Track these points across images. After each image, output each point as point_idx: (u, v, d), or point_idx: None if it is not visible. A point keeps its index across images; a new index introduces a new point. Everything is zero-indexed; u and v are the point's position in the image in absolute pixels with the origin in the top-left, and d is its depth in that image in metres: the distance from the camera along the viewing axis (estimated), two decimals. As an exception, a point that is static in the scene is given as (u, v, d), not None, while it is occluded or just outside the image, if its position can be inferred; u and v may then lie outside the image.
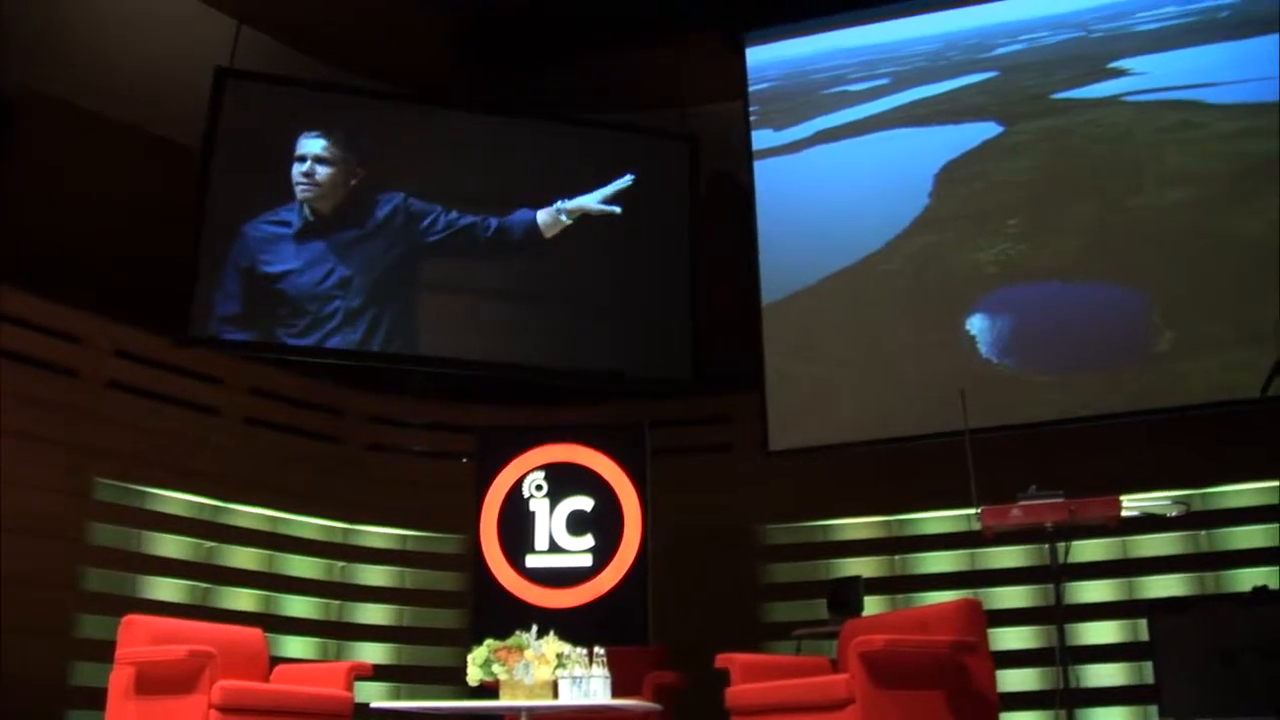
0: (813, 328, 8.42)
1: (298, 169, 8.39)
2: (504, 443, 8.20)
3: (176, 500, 7.79)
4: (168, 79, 8.50)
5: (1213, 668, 6.24)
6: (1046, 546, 5.61)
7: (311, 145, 8.45)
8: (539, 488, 8.02)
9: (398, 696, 8.23)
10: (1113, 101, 8.04)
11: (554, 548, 7.91)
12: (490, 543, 7.93)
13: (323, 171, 8.42)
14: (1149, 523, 7.23)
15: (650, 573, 7.77)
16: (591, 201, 8.74)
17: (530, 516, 7.98)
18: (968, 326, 7.90)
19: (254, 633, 6.15)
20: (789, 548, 8.49)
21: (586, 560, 7.86)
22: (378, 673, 7.65)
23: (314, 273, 8.22)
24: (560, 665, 4.96)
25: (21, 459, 6.97)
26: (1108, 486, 5.67)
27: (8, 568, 6.66)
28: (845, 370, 8.25)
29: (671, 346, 8.76)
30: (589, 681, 4.92)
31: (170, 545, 7.72)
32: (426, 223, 8.52)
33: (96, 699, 5.57)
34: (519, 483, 8.04)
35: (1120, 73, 8.08)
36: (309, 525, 8.45)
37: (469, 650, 5.19)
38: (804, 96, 9.01)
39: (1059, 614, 5.55)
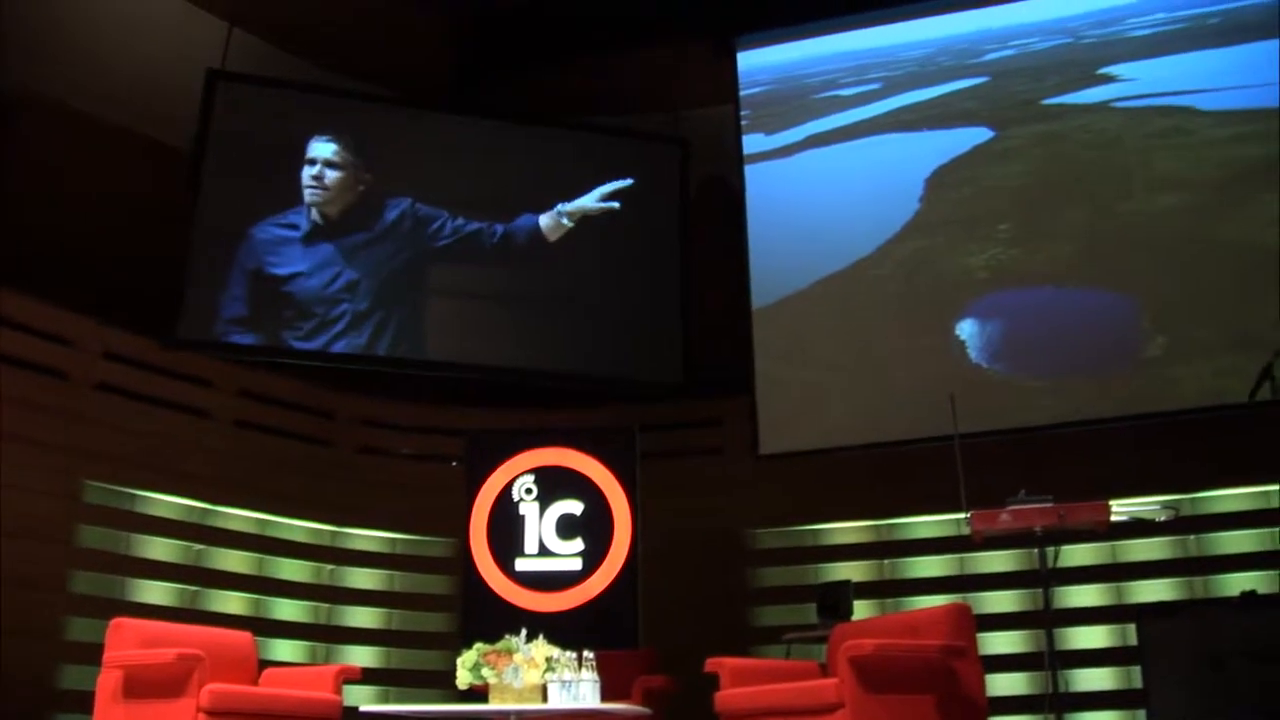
0: (803, 332, 8.43)
1: (307, 172, 8.43)
2: (494, 446, 8.19)
3: (166, 503, 7.77)
4: (160, 81, 8.49)
5: (1201, 672, 6.25)
6: (1036, 551, 5.63)
7: (322, 149, 8.50)
8: (529, 491, 8.00)
9: (387, 700, 8.20)
10: (1103, 107, 8.06)
11: (544, 551, 7.89)
12: (480, 546, 7.92)
13: (332, 175, 8.46)
14: (1138, 527, 7.23)
15: (640, 576, 7.76)
16: (590, 201, 8.77)
17: (520, 520, 7.96)
18: (958, 331, 7.92)
19: (243, 636, 6.15)
20: (779, 552, 8.49)
21: (576, 564, 7.85)
22: (367, 676, 7.64)
23: (321, 276, 8.26)
24: (549, 669, 4.96)
25: (11, 461, 6.94)
26: (1097, 491, 5.69)
27: (-4, 570, 6.65)
28: (835, 374, 8.26)
29: (662, 350, 8.77)
30: (578, 685, 4.92)
31: (160, 548, 7.69)
32: (434, 228, 8.57)
33: (84, 702, 5.56)
34: (509, 486, 8.02)
35: (1111, 79, 8.11)
36: (299, 528, 8.43)
37: (458, 654, 5.18)
38: (795, 101, 9.02)
39: (1048, 618, 5.55)
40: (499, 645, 5.08)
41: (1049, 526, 5.41)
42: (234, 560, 8.05)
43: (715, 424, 8.95)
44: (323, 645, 8.33)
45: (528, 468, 8.06)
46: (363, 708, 5.11)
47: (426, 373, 8.64)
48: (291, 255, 8.25)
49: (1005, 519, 5.48)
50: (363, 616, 8.54)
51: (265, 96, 8.56)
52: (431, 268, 8.57)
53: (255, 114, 8.48)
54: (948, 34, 8.72)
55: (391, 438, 9.07)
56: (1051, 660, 5.49)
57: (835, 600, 7.38)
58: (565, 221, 8.72)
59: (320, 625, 8.38)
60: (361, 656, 8.25)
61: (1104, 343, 7.56)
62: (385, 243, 8.47)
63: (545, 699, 4.95)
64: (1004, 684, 7.44)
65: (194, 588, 7.80)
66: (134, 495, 7.63)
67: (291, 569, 8.34)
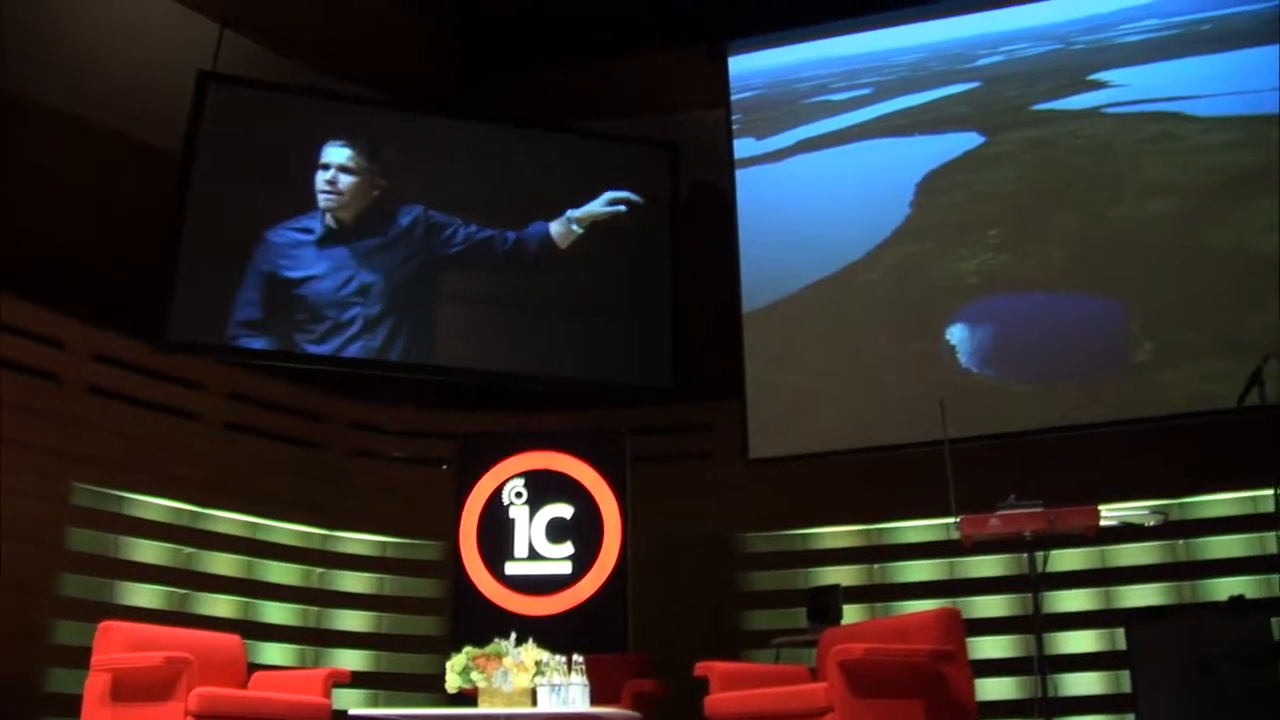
0: (793, 336, 8.43)
1: (321, 177, 8.49)
2: (484, 450, 8.18)
3: (155, 505, 7.75)
4: (152, 83, 8.48)
5: (1190, 677, 6.27)
6: (1025, 556, 5.63)
7: (335, 154, 8.55)
8: (519, 495, 8.00)
9: (376, 703, 8.19)
10: (1094, 113, 8.08)
11: (533, 555, 7.89)
12: (470, 550, 7.91)
13: (345, 180, 8.51)
14: (1127, 532, 7.25)
15: (630, 580, 7.76)
16: (598, 206, 8.83)
17: (510, 524, 7.95)
18: (948, 336, 7.93)
19: (232, 639, 6.14)
20: (769, 556, 8.49)
21: (566, 568, 7.84)
22: (356, 680, 7.60)
23: (334, 279, 8.30)
24: (539, 673, 4.96)
25: (1, 464, 6.92)
26: (1086, 496, 5.69)
27: (-16, 572, 6.63)
28: (826, 379, 8.27)
29: (652, 354, 8.77)
30: (568, 689, 4.92)
31: (149, 551, 7.67)
32: (446, 234, 8.61)
33: (72, 705, 5.54)
34: (499, 490, 8.02)
35: (1102, 84, 8.13)
36: (288, 531, 8.41)
37: (448, 657, 5.18)
38: (786, 105, 9.04)
39: (1037, 623, 5.56)
40: (488, 649, 5.08)
41: (1038, 531, 5.42)
42: (223, 563, 8.04)
43: (705, 428, 8.96)
44: (312, 648, 8.31)
45: (518, 471, 8.06)
46: (352, 711, 5.10)
47: (417, 377, 8.63)
48: (305, 259, 8.30)
49: (995, 524, 5.48)
50: (352, 620, 8.52)
51: (258, 99, 8.57)
52: (435, 273, 8.60)
53: (248, 116, 8.49)
54: (939, 39, 8.73)
55: (382, 441, 9.06)
56: (1041, 665, 5.49)
57: (825, 605, 7.38)
58: (575, 228, 8.77)
59: (310, 628, 8.36)
60: (351, 660, 8.25)
61: (1094, 348, 7.57)
62: (398, 248, 8.52)
63: (535, 703, 4.95)
64: (993, 688, 7.46)
65: (183, 591, 7.78)
66: (124, 498, 7.61)
67: (281, 572, 8.33)
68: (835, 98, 8.91)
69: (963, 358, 7.84)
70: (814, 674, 5.50)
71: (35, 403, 7.24)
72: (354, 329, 8.25)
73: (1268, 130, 7.52)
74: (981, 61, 8.56)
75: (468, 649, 5.12)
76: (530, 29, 9.37)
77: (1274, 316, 6.98)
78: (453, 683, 5.08)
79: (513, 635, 5.16)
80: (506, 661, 5.00)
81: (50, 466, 7.21)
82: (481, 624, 7.01)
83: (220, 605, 7.93)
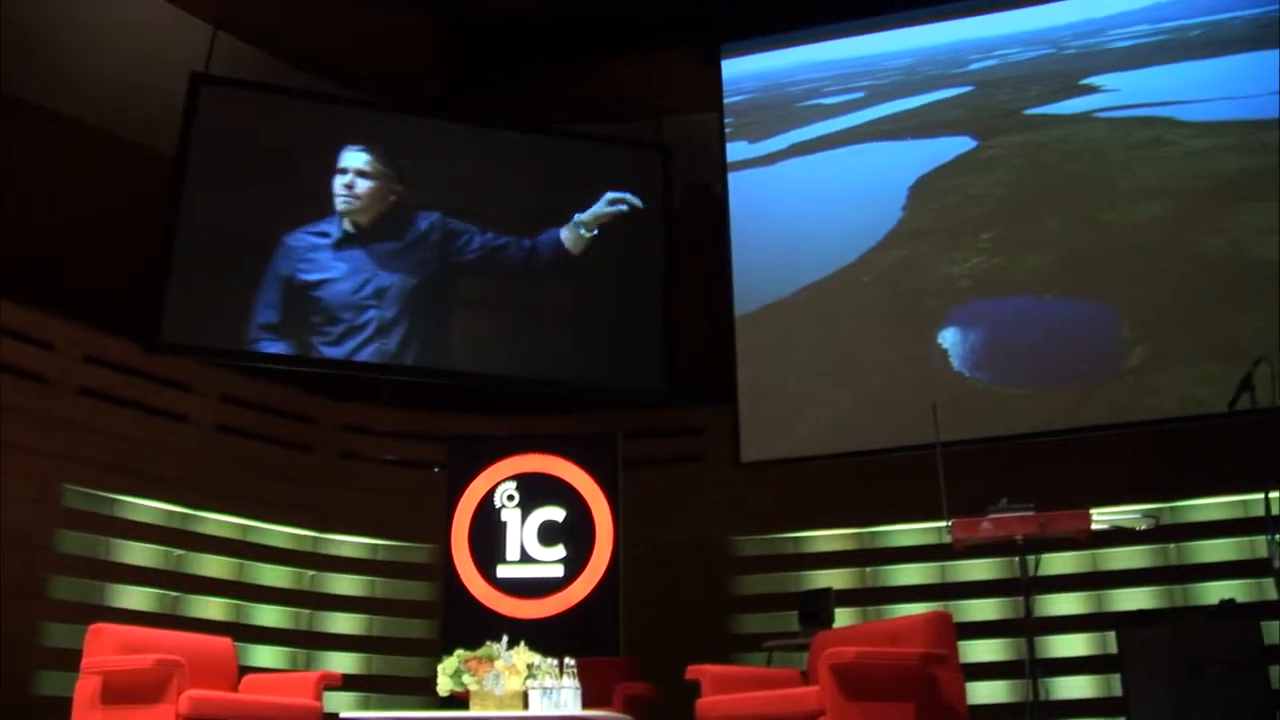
0: (786, 340, 8.43)
1: (339, 180, 8.56)
2: (476, 452, 8.18)
3: (146, 508, 7.74)
4: (144, 84, 8.48)
5: (1180, 680, 6.29)
6: (1017, 559, 5.64)
7: (354, 159, 8.61)
8: (510, 498, 7.99)
9: (367, 706, 8.18)
10: (1085, 117, 8.10)
11: (525, 558, 7.88)
12: (461, 552, 7.90)
13: (363, 185, 8.58)
14: (1118, 536, 7.26)
15: (622, 584, 7.75)
16: (601, 206, 8.89)
17: (501, 526, 7.95)
18: (940, 340, 7.94)
19: (223, 642, 6.12)
20: (760, 559, 8.49)
21: (558, 571, 7.84)
22: (347, 682, 7.60)
23: (351, 282, 8.35)
24: (531, 676, 4.95)
25: (-11, 465, 6.92)
26: (1078, 500, 5.70)
27: (-27, 575, 6.61)
28: (817, 382, 8.27)
29: (644, 357, 8.77)
30: (559, 692, 4.91)
31: (139, 553, 7.65)
32: (462, 241, 8.66)
33: (62, 708, 5.51)
34: (490, 493, 8.01)
35: (1093, 89, 8.15)
36: (279, 533, 8.39)
37: (439, 660, 5.17)
38: (779, 109, 9.05)
39: (1029, 626, 5.56)
40: (480, 652, 5.07)
41: (1030, 535, 5.43)
42: (214, 565, 8.02)
43: (697, 432, 8.96)
44: (303, 651, 8.30)
45: (510, 474, 8.05)
46: (343, 714, 5.09)
47: (409, 379, 8.63)
48: (322, 262, 8.36)
49: (986, 527, 5.49)
50: (343, 622, 8.51)
51: (251, 101, 8.57)
52: (446, 279, 8.66)
53: (241, 118, 8.49)
54: (931, 44, 8.75)
55: (373, 443, 9.05)
56: (1032, 668, 5.51)
57: (816, 608, 7.38)
58: (584, 232, 8.83)
59: (301, 631, 8.34)
60: (342, 662, 8.24)
61: (1085, 352, 7.58)
62: (414, 253, 8.57)
63: (526, 706, 4.94)
64: (985, 692, 7.46)
65: (174, 593, 7.76)
66: (114, 500, 7.59)
67: (272, 574, 8.31)
68: (828, 101, 8.93)
69: (955, 361, 7.85)
70: (805, 677, 5.50)
71: (25, 404, 7.22)
72: (368, 332, 8.30)
73: (1258, 135, 7.55)
74: (973, 66, 8.57)
75: (459, 652, 5.11)
76: (523, 32, 9.36)
77: (1265, 321, 7.00)
78: (444, 685, 5.07)
79: (504, 638, 5.15)
80: (498, 664, 4.99)
81: (40, 468, 7.18)
82: (473, 627, 7.00)
83: (211, 608, 7.92)
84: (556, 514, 7.93)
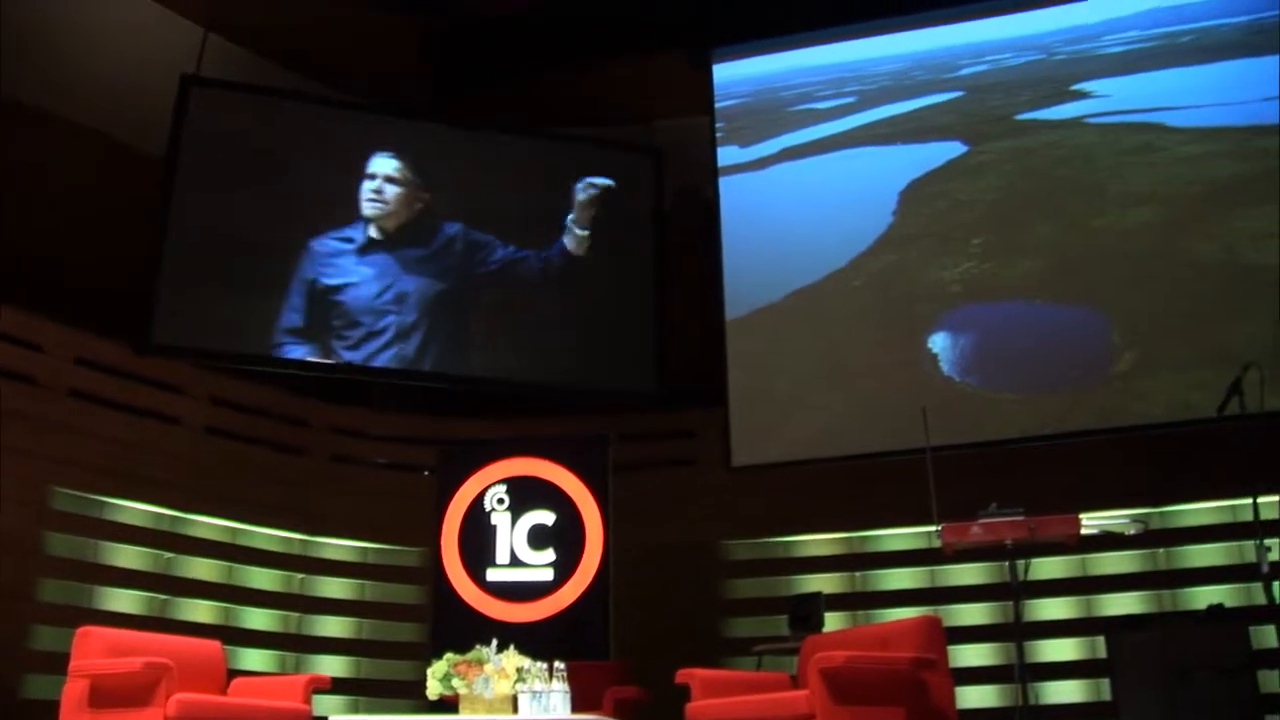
0: (776, 344, 8.44)
1: (368, 186, 8.65)
2: (466, 456, 8.18)
3: (135, 510, 7.71)
4: (135, 85, 8.46)
5: (1169, 685, 6.29)
6: (1006, 564, 5.64)
7: (383, 165, 8.69)
8: (500, 501, 7.99)
9: (357, 710, 8.16)
10: (1076, 123, 8.12)
11: (515, 561, 7.88)
12: (451, 556, 7.90)
13: (391, 191, 8.65)
14: (1108, 541, 7.25)
15: (612, 587, 7.75)
16: (580, 197, 8.96)
17: (491, 530, 7.95)
18: (931, 345, 7.95)
19: (212, 645, 6.11)
20: (751, 563, 8.49)
21: (548, 574, 7.83)
22: (337, 686, 7.59)
23: (372, 287, 8.43)
24: (520, 680, 4.96)
25: (-23, 467, 6.90)
26: (1067, 505, 5.72)
27: (-39, 577, 6.58)
28: (808, 387, 8.28)
29: (635, 361, 8.78)
30: (549, 696, 4.91)
31: (128, 556, 7.63)
32: (484, 252, 8.73)
33: (49, 712, 5.50)
34: (480, 496, 8.01)
35: (1083, 95, 8.17)
36: (269, 536, 8.37)
37: (429, 664, 5.18)
38: (770, 113, 9.05)
39: (1018, 631, 5.57)
40: (470, 655, 5.08)
41: (1020, 539, 5.43)
42: (204, 568, 8.00)
43: (688, 435, 8.95)
44: (292, 655, 8.28)
45: (500, 478, 8.05)
46: (333, 718, 5.09)
47: (399, 382, 8.63)
48: (345, 267, 8.44)
49: (976, 532, 5.50)
50: (333, 626, 8.50)
51: (243, 102, 8.57)
52: (463, 288, 8.74)
53: (233, 120, 8.48)
54: (923, 49, 8.76)
55: (364, 446, 9.03)
56: (1022, 673, 5.51)
57: (807, 612, 7.39)
58: (579, 231, 8.89)
59: (290, 634, 8.33)
60: (331, 666, 8.22)
61: (1075, 357, 7.60)
62: (437, 261, 8.65)
63: (516, 710, 4.94)
64: (974, 696, 7.47)
65: (163, 596, 7.74)
66: (103, 502, 7.57)
67: (261, 578, 8.29)
68: (819, 106, 8.94)
69: (945, 366, 7.86)
70: (795, 681, 5.51)
71: (14, 407, 7.19)
72: (387, 336, 8.38)
73: (1250, 141, 7.58)
74: (965, 71, 8.59)
75: (449, 655, 5.11)
76: (513, 35, 9.36)
77: (1254, 326, 7.02)
78: (434, 689, 5.07)
79: (494, 642, 5.15)
80: (488, 668, 4.99)
81: (29, 470, 7.15)
82: (463, 630, 6.99)
83: (200, 610, 7.90)
84: (546, 517, 7.93)
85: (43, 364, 7.45)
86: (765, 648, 7.44)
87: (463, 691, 5.00)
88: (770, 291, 8.51)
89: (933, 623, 5.09)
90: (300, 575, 8.49)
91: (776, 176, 8.84)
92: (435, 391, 8.87)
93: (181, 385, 8.15)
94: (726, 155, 9.05)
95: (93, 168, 8.37)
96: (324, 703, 7.23)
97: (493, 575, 7.85)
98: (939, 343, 7.93)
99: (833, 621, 7.60)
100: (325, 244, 8.44)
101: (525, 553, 7.88)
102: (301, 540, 8.53)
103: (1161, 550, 7.56)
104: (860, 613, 8.07)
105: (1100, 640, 7.05)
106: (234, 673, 6.22)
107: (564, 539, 7.87)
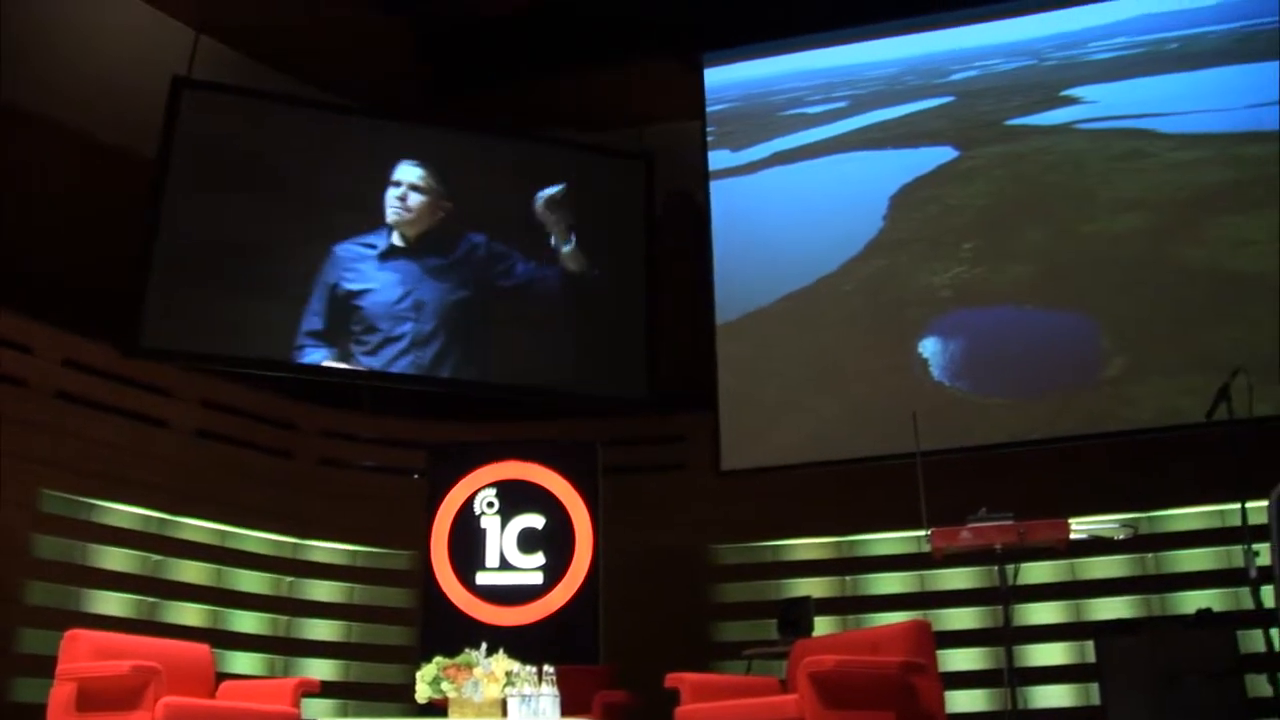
0: (767, 348, 8.45)
1: (392, 193, 8.70)
2: (456, 459, 8.17)
3: (124, 513, 7.68)
4: (125, 86, 8.44)
5: (1158, 689, 6.31)
6: (996, 568, 5.65)
7: (408, 173, 8.75)
8: (490, 505, 7.98)
9: (345, 714, 8.15)
10: (1066, 129, 8.14)
11: (505, 565, 7.87)
12: (441, 559, 7.89)
13: (415, 199, 8.70)
14: (1097, 545, 7.29)
15: (601, 591, 7.75)
16: (546, 211, 8.95)
17: (481, 533, 7.94)
18: (921, 349, 7.96)
19: (200, 648, 6.09)
20: (740, 567, 8.49)
21: (537, 578, 7.83)
22: (326, 689, 7.57)
23: (391, 293, 8.46)
24: (509, 683, 4.95)
25: (-35, 469, 6.87)
26: (1057, 509, 5.72)
27: (-52, 580, 6.56)
28: (798, 391, 8.29)
29: (625, 365, 8.78)
30: (538, 700, 4.91)
31: (116, 558, 7.60)
32: (505, 265, 8.78)
33: (36, 716, 5.47)
34: (470, 499, 8.00)
35: (1073, 100, 8.19)
36: (258, 539, 8.35)
37: (418, 667, 5.17)
38: (761, 118, 9.06)
39: (1007, 635, 5.58)
40: (459, 659, 5.07)
41: (1009, 544, 5.44)
42: (192, 571, 7.97)
43: (678, 439, 8.95)
44: (281, 658, 8.26)
45: (490, 481, 8.04)
46: (321, 721, 5.08)
47: (391, 386, 8.61)
48: (366, 272, 8.48)
49: (966, 536, 5.50)
50: (322, 629, 8.48)
51: (235, 104, 8.56)
52: (480, 298, 8.75)
53: (225, 122, 8.47)
54: (914, 54, 8.79)
55: (353, 450, 9.02)
56: (1011, 677, 5.52)
57: (796, 616, 7.38)
58: (565, 248, 8.91)
59: (279, 638, 8.31)
60: (320, 669, 8.19)
61: (1064, 362, 7.62)
62: (458, 270, 8.67)
63: (505, 713, 4.93)
64: (964, 701, 7.48)
65: (151, 599, 7.72)
66: (92, 505, 7.55)
67: (250, 581, 8.27)
68: (810, 110, 8.95)
69: (935, 371, 7.87)
70: (785, 685, 5.51)
71: (2, 408, 7.16)
72: (404, 343, 8.40)
73: (1237, 148, 7.61)
74: (955, 76, 8.61)
75: (438, 659, 5.11)
76: (505, 39, 9.36)
77: (1242, 332, 7.05)
78: (423, 693, 5.06)
79: (483, 645, 5.15)
80: (477, 672, 4.99)
81: (17, 472, 7.12)
82: (452, 634, 6.97)
83: (189, 614, 7.87)
84: (536, 521, 7.92)
85: (32, 366, 7.43)
86: (755, 652, 7.44)
87: (452, 695, 5.00)
88: (761, 296, 8.52)
89: (922, 627, 5.09)
90: (289, 578, 8.47)
91: (767, 181, 8.85)
92: (425, 395, 8.87)
93: (171, 388, 8.13)
94: (717, 159, 9.06)
95: (83, 169, 8.35)
96: (313, 706, 7.23)
97: (482, 579, 7.85)
98: (929, 347, 7.94)
99: (822, 626, 7.61)
100: (348, 249, 8.48)
101: (515, 556, 7.88)
102: (291, 543, 8.51)
103: (1150, 555, 7.58)
104: (850, 617, 8.08)
105: (1089, 645, 7.06)
106: (223, 676, 6.21)
107: (554, 543, 7.87)
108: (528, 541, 7.89)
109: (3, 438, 7.09)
